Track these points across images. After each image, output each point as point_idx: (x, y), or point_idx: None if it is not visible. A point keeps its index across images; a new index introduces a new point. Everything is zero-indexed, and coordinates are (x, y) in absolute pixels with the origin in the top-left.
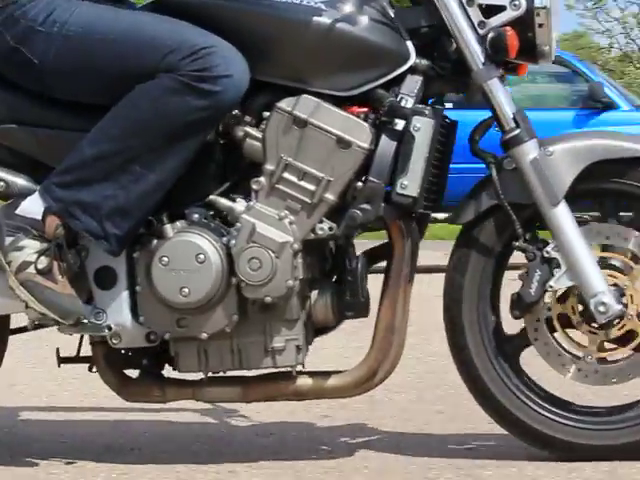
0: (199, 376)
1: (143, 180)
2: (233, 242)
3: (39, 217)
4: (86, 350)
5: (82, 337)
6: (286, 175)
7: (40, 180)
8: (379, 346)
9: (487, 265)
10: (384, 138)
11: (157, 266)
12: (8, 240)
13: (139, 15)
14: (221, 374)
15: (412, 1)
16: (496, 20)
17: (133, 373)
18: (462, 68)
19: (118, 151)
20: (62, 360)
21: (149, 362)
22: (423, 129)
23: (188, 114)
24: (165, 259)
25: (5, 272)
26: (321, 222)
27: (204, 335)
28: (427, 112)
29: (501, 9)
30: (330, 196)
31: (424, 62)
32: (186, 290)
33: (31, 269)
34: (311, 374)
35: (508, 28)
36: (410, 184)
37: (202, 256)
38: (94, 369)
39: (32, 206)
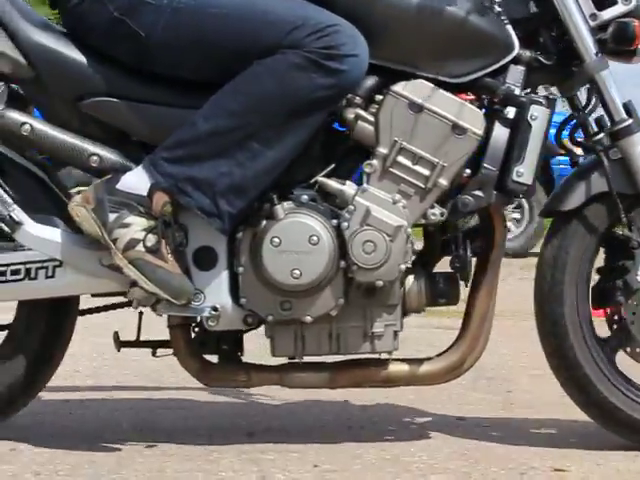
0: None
1: (261, 157)
2: (345, 224)
3: (144, 193)
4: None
5: (140, 321)
6: (400, 159)
7: (131, 155)
8: (473, 333)
9: (585, 259)
10: (498, 125)
11: (268, 247)
12: (112, 217)
13: None
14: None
15: None
16: (609, 13)
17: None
18: (566, 59)
19: (236, 127)
20: (122, 344)
21: (229, 347)
22: (540, 118)
23: (313, 92)
24: (276, 240)
25: (110, 249)
26: (432, 207)
27: (308, 319)
28: (543, 101)
29: (612, 3)
30: (443, 181)
31: (527, 53)
32: (297, 272)
33: (140, 247)
34: (402, 360)
35: (634, 19)
36: (526, 172)
37: (315, 238)
38: (157, 353)
39: (137, 181)
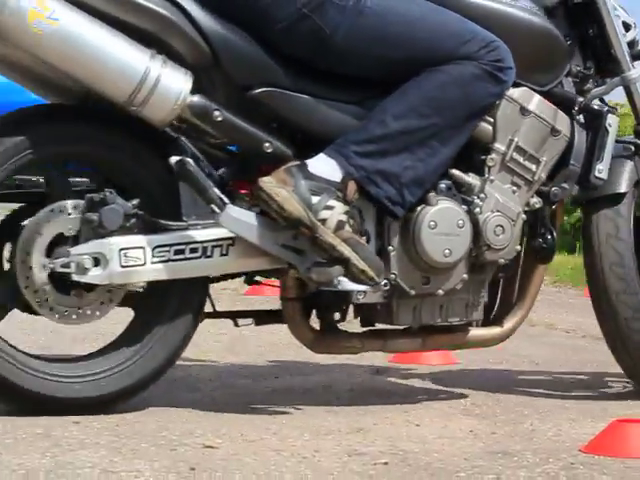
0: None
1: (438, 154)
2: (478, 210)
3: (338, 180)
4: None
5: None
6: (515, 155)
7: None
8: (529, 303)
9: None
10: (578, 129)
11: (425, 229)
12: (315, 199)
13: (420, 0)
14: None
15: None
16: (630, 35)
17: None
18: (601, 70)
19: (424, 127)
20: (205, 315)
21: (341, 316)
22: (614, 125)
23: (485, 99)
24: (432, 223)
25: (316, 229)
26: (532, 197)
27: (440, 292)
28: (615, 111)
29: (627, 27)
30: (543, 175)
31: (574, 64)
32: (447, 251)
33: (347, 228)
34: (476, 326)
35: None
36: (604, 169)
37: (461, 221)
38: (239, 323)
39: (330, 169)
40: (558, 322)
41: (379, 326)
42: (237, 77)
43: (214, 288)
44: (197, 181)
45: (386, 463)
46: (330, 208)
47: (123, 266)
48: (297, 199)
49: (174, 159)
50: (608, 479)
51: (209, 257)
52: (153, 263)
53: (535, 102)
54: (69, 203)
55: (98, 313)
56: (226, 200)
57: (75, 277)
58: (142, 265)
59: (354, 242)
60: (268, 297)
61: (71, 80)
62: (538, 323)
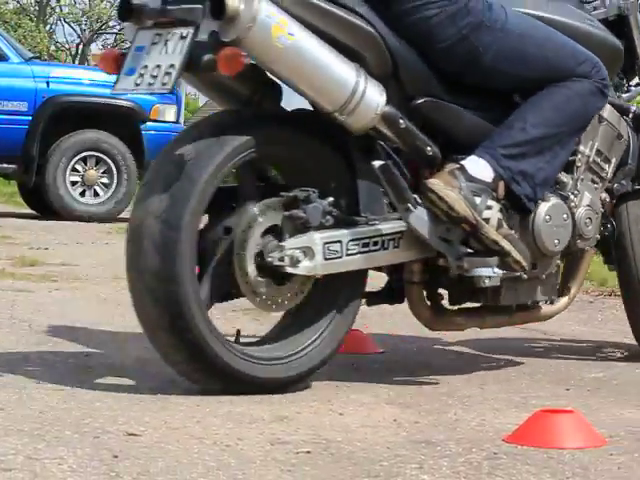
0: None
1: (559, 157)
2: (573, 204)
3: (489, 180)
4: None
5: None
6: (595, 157)
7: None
8: (579, 282)
9: None
10: (632, 133)
11: (543, 222)
12: (477, 200)
13: (540, 21)
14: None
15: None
16: None
17: None
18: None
19: (553, 134)
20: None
21: (460, 298)
22: None
23: (594, 111)
24: (548, 217)
25: (480, 227)
26: (603, 192)
27: (543, 276)
28: None
29: None
30: (611, 174)
31: None
32: (556, 241)
33: (505, 225)
34: (537, 304)
35: None
36: None
37: (566, 215)
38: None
39: (482, 171)
40: None
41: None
42: (408, 88)
43: None
44: (398, 183)
45: (309, 452)
46: (490, 208)
47: (326, 258)
48: (464, 200)
49: (378, 163)
50: (531, 469)
51: (385, 249)
52: (347, 255)
53: (607, 111)
54: (275, 200)
55: (288, 303)
56: (418, 200)
57: (289, 269)
58: (339, 258)
59: (512, 238)
60: None
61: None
62: None
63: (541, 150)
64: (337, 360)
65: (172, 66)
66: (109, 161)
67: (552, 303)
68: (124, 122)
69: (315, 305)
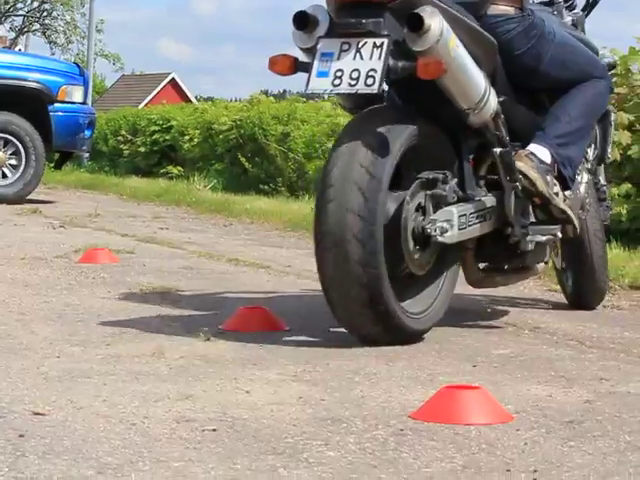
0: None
1: (586, 144)
2: (578, 180)
3: (549, 163)
4: None
5: None
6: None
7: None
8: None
9: None
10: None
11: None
12: (548, 178)
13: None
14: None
15: None
16: None
17: None
18: None
19: (587, 125)
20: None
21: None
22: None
23: (607, 106)
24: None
25: (552, 200)
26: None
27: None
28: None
29: None
30: (591, 157)
31: None
32: (580, 212)
33: (564, 198)
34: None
35: None
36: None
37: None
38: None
39: (545, 156)
40: None
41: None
42: (496, 89)
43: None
44: (512, 165)
45: (214, 430)
46: (555, 185)
47: (459, 229)
48: (542, 178)
49: (498, 150)
50: (437, 445)
51: (485, 220)
52: (469, 226)
53: None
54: (417, 182)
55: (428, 266)
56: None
57: (439, 239)
58: (464, 228)
59: (572, 207)
60: (102, 265)
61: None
62: None
63: (579, 139)
64: (243, 338)
65: (373, 70)
66: (17, 143)
67: (546, 263)
68: (32, 103)
69: (435, 269)
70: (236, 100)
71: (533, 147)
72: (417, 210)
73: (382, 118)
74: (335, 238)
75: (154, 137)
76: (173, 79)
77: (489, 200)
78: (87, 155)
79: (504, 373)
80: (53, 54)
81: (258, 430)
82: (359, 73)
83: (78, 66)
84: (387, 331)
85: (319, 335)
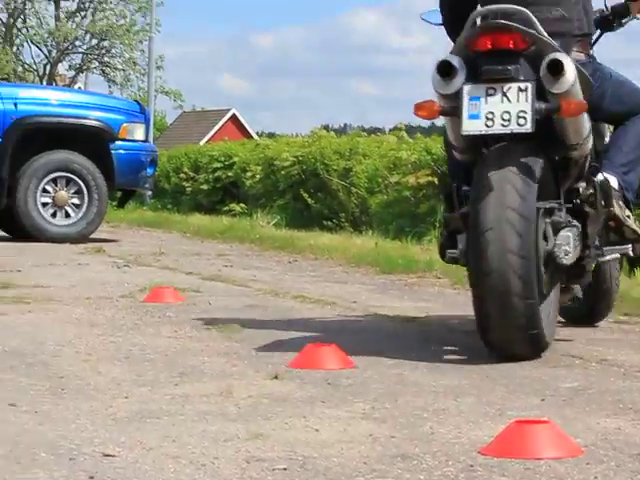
0: None
1: None
2: None
3: (618, 189)
4: None
5: None
6: None
7: None
8: None
9: None
10: None
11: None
12: (620, 203)
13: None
14: None
15: None
16: None
17: None
18: None
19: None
20: None
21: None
22: None
23: None
24: None
25: (625, 220)
26: None
27: None
28: None
29: None
30: None
31: None
32: None
33: (633, 220)
34: None
35: None
36: None
37: None
38: None
39: (614, 182)
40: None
41: None
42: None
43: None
44: (611, 191)
45: (285, 469)
46: (625, 208)
47: (574, 250)
48: (617, 203)
49: (600, 177)
50: None
51: (579, 244)
52: (574, 247)
53: None
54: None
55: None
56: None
57: (563, 261)
58: (573, 250)
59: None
60: (167, 304)
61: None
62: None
63: (637, 166)
64: (311, 375)
65: (523, 111)
66: (79, 181)
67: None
68: (93, 142)
69: (550, 289)
70: (297, 135)
71: (606, 175)
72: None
73: (516, 156)
74: (499, 276)
75: (216, 174)
76: (234, 115)
77: (579, 225)
78: (150, 193)
79: (572, 406)
80: (112, 92)
81: (328, 468)
82: (510, 115)
83: (139, 103)
84: (535, 350)
85: (387, 371)
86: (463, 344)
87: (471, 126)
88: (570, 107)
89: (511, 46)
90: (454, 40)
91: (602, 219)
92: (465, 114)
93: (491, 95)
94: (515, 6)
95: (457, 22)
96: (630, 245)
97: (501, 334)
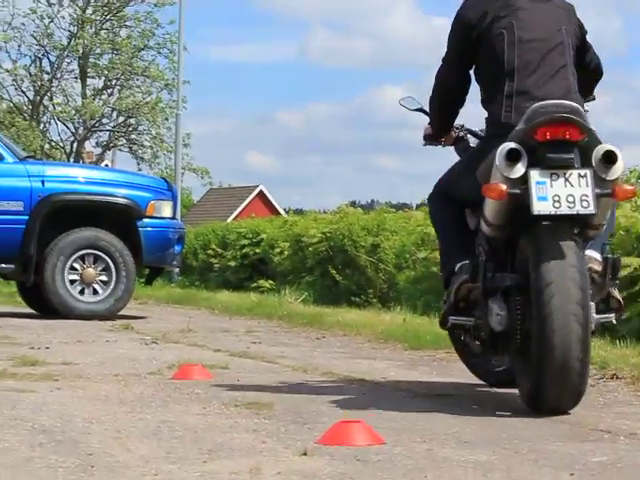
0: None
1: None
2: None
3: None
4: None
5: None
6: None
7: None
8: None
9: None
10: None
11: None
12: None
13: None
14: None
15: None
16: None
17: None
18: None
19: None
20: None
21: None
22: None
23: None
24: None
25: (612, 292)
26: None
27: None
28: None
29: None
30: None
31: None
32: None
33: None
34: None
35: None
36: None
37: None
38: None
39: (599, 257)
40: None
41: None
42: None
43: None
44: (619, 268)
45: None
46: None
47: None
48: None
49: (612, 257)
50: None
51: None
52: None
53: None
54: None
55: None
56: None
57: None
58: None
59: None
60: (196, 381)
61: None
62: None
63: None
64: (340, 452)
65: (585, 195)
66: (107, 259)
67: None
68: (121, 219)
69: None
70: (324, 212)
71: (590, 252)
72: None
73: (568, 233)
74: (563, 334)
75: (244, 251)
76: (261, 191)
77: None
78: (177, 270)
79: None
80: (140, 169)
81: None
82: (574, 198)
83: (166, 181)
84: (577, 403)
85: (416, 447)
86: (492, 419)
87: (541, 207)
88: (625, 193)
89: (569, 137)
90: (443, 124)
91: (606, 291)
92: (534, 196)
93: (555, 180)
94: (568, 102)
95: (450, 110)
96: (613, 314)
97: (557, 393)
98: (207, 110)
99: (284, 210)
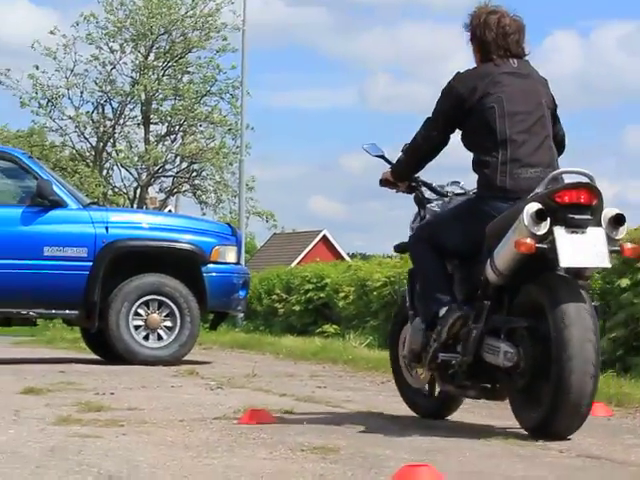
0: None
1: None
2: None
3: None
4: None
5: None
6: None
7: None
8: None
9: None
10: None
11: None
12: None
13: None
14: None
15: None
16: None
17: None
18: None
19: None
20: None
21: None
22: None
23: None
24: None
25: None
26: None
27: None
28: None
29: None
30: None
31: None
32: None
33: None
34: None
35: None
36: None
37: None
38: None
39: None
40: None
41: None
42: None
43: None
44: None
45: None
46: None
47: None
48: None
49: (597, 303)
50: None
51: None
52: None
53: None
54: None
55: None
56: None
57: None
58: None
59: None
60: (261, 425)
61: None
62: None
63: None
64: None
65: (601, 251)
66: (171, 304)
67: None
68: (185, 265)
69: None
70: (388, 256)
71: None
72: None
73: (573, 281)
74: (580, 374)
75: (308, 295)
76: (324, 236)
77: None
78: (242, 315)
79: None
80: (204, 214)
81: None
82: (593, 253)
83: (230, 226)
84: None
85: None
86: (558, 459)
87: (567, 260)
88: (629, 250)
89: (584, 201)
90: (411, 172)
91: None
92: (562, 251)
93: (576, 237)
94: (583, 169)
95: (423, 162)
96: None
97: (567, 424)
98: (270, 156)
99: (348, 254)
